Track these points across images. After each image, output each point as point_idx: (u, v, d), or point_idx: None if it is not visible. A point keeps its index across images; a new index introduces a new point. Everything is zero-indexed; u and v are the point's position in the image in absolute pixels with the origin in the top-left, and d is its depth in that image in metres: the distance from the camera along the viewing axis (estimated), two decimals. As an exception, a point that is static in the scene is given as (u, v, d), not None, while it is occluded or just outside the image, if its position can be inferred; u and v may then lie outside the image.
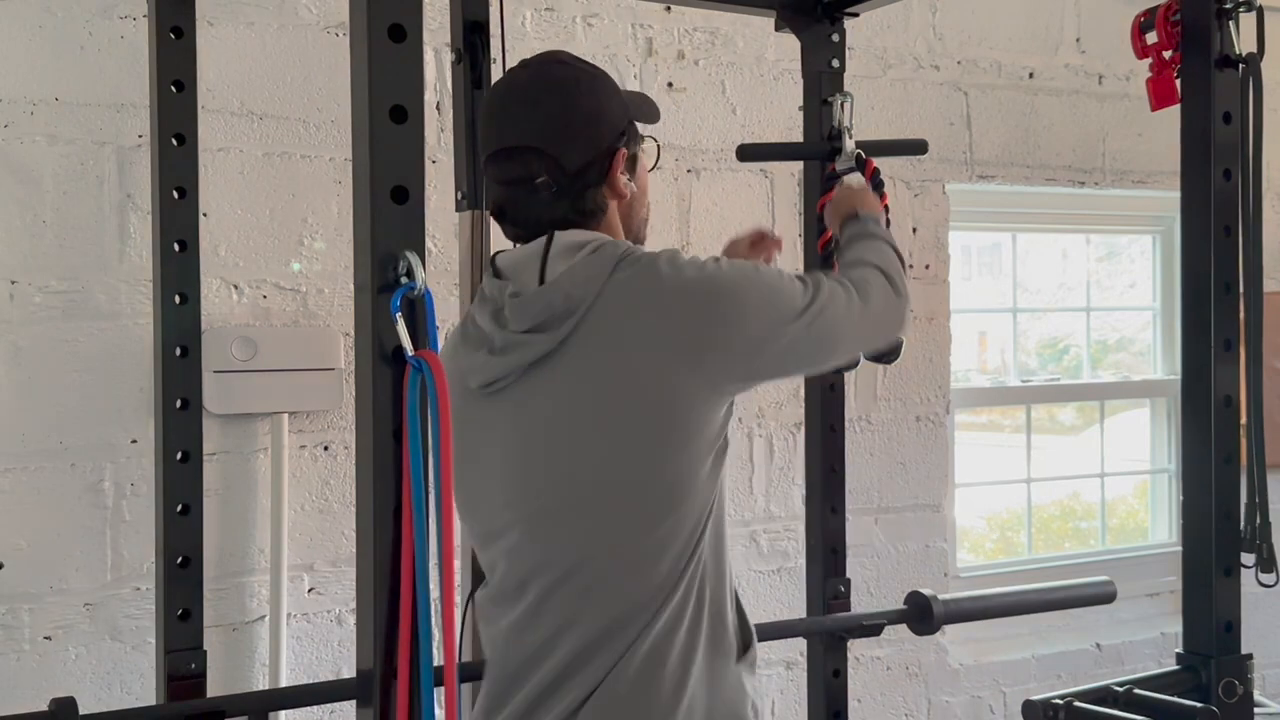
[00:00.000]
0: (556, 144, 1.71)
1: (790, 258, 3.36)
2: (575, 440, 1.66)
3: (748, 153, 2.39)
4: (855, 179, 2.31)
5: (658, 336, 1.63)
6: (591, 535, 1.66)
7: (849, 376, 3.36)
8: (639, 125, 1.81)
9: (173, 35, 2.38)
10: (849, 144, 2.37)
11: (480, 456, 1.74)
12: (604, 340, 1.65)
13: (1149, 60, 2.24)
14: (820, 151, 2.46)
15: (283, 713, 2.74)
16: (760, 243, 2.21)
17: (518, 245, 1.76)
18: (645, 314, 1.64)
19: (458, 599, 2.29)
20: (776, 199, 3.37)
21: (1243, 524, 2.19)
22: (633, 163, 1.78)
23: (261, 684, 2.85)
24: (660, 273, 1.65)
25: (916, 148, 2.43)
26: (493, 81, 2.20)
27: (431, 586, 1.52)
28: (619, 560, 1.65)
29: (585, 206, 1.73)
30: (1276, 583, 2.19)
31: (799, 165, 2.82)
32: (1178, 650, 2.23)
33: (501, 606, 1.74)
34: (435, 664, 1.47)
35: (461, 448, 1.68)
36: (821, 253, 2.31)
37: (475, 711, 1.78)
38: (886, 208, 2.17)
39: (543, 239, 1.71)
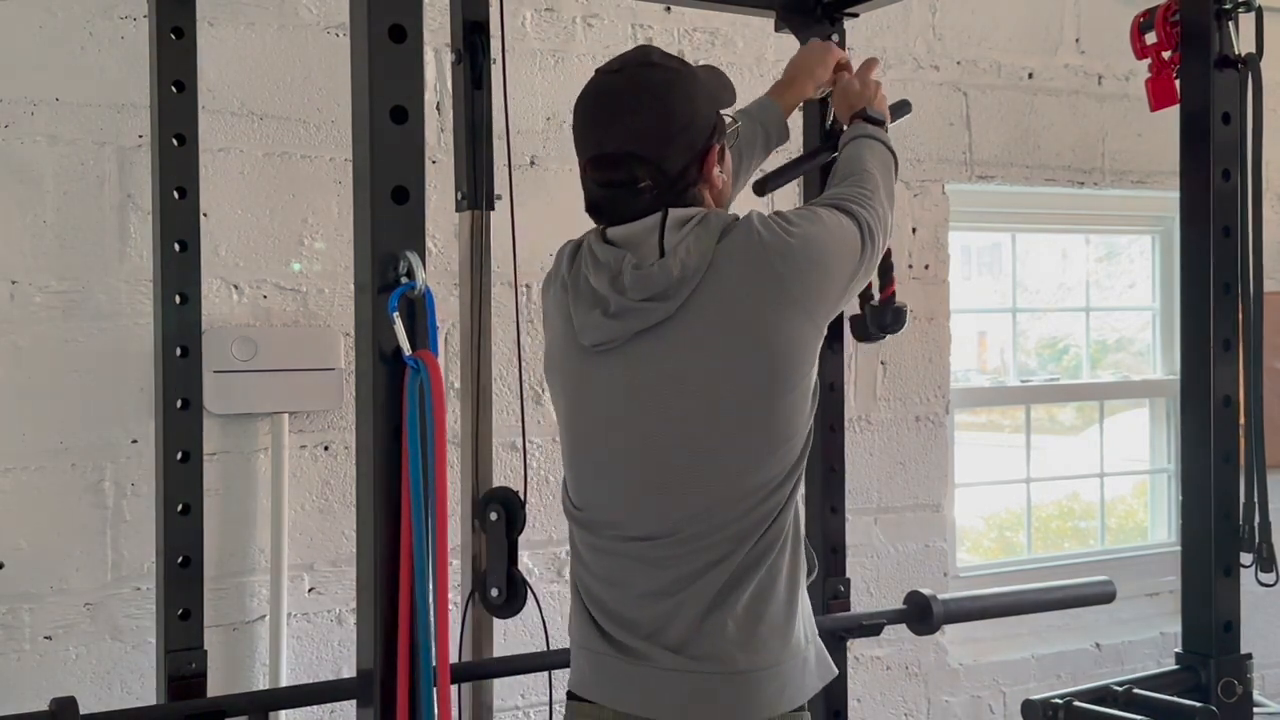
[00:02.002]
0: (658, 150, 1.80)
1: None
2: (698, 392, 1.78)
3: (768, 185, 2.39)
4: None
5: (767, 291, 1.76)
6: (719, 477, 1.78)
7: (849, 376, 3.36)
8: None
9: (173, 35, 2.39)
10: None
11: (589, 409, 1.87)
12: (717, 301, 1.77)
13: (1148, 60, 2.24)
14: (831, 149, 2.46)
15: (283, 713, 2.74)
16: (840, 69, 2.37)
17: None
18: (753, 273, 1.77)
19: (457, 599, 2.30)
20: (777, 199, 3.37)
21: (1242, 524, 2.19)
22: (722, 153, 1.89)
23: (261, 684, 2.85)
24: (760, 235, 1.78)
25: (901, 109, 2.42)
26: (492, 81, 2.23)
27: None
28: (744, 495, 1.78)
29: (684, 203, 1.83)
30: (1276, 582, 2.19)
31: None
32: (1177, 650, 2.23)
33: (621, 545, 1.84)
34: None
35: (571, 400, 1.89)
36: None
37: (585, 638, 1.87)
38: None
39: (657, 215, 1.80)
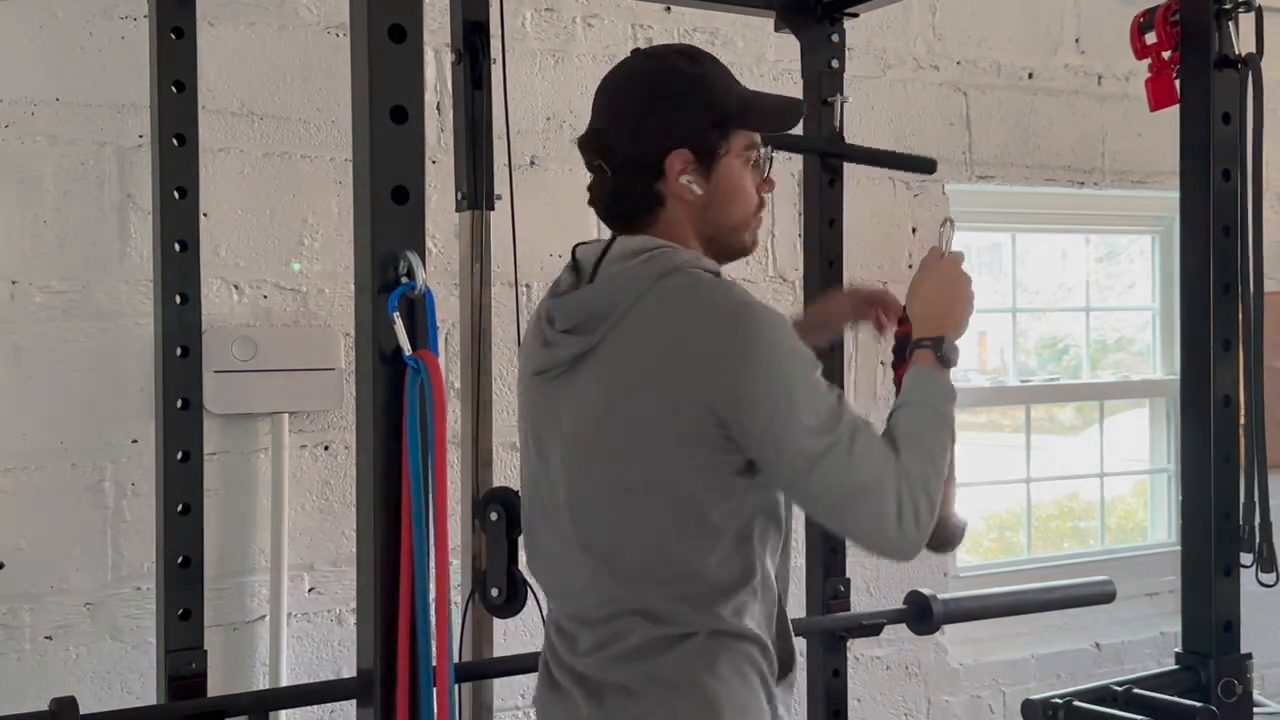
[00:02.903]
0: (616, 132, 1.75)
1: (790, 259, 3.36)
2: (599, 444, 1.69)
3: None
4: (952, 257, 1.86)
5: (673, 367, 1.63)
6: (613, 533, 1.70)
7: (849, 377, 3.35)
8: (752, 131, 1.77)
9: (173, 35, 2.39)
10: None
11: (541, 438, 1.80)
12: (628, 353, 1.66)
13: (1148, 60, 2.24)
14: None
15: (283, 713, 2.74)
16: (868, 308, 2.07)
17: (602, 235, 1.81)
18: (669, 339, 1.64)
19: (457, 599, 2.30)
20: (777, 199, 3.37)
21: (1242, 524, 2.19)
22: (706, 163, 1.73)
23: (261, 684, 2.85)
24: (699, 303, 1.64)
25: (924, 166, 2.30)
26: (492, 82, 2.23)
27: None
28: (660, 582, 1.68)
29: (636, 200, 1.74)
30: (1276, 583, 2.19)
31: (798, 165, 2.82)
32: (1177, 650, 2.23)
33: (556, 602, 1.81)
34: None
35: (524, 434, 1.84)
36: (896, 340, 1.91)
37: (536, 685, 1.83)
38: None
39: (607, 239, 1.75)
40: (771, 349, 1.61)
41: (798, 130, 2.46)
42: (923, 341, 1.76)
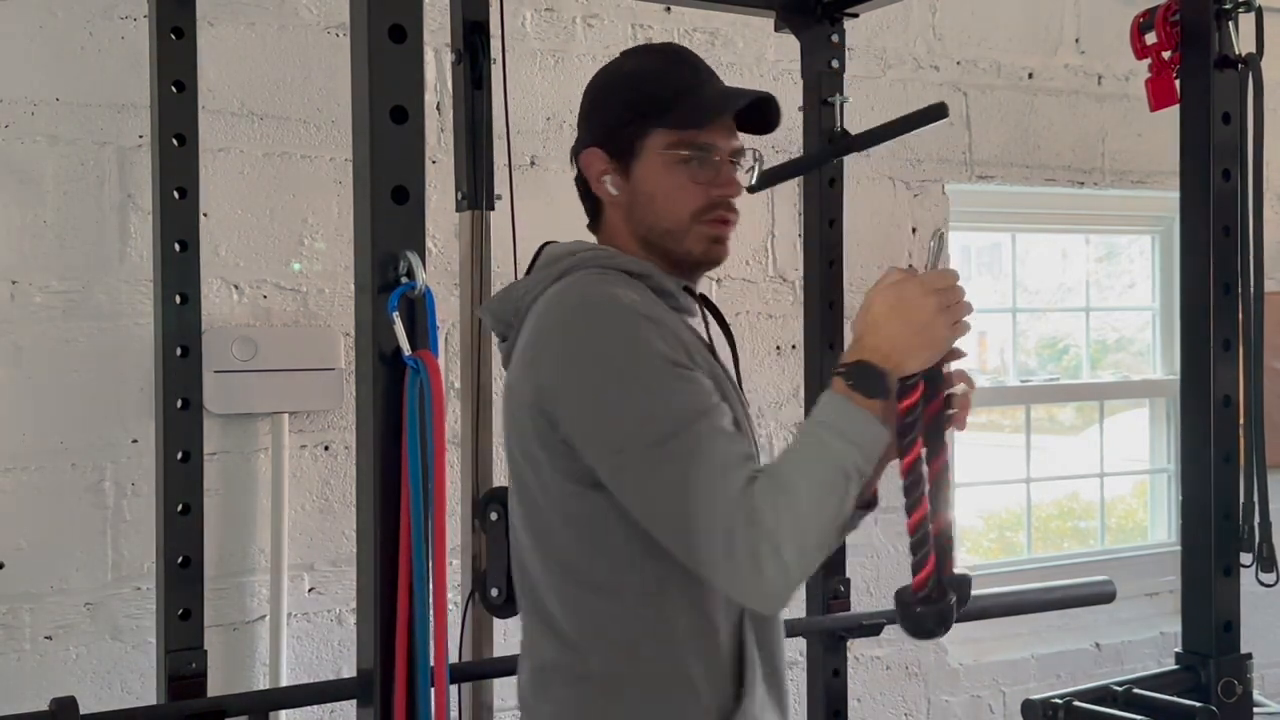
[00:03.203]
0: (577, 134, 1.78)
1: (790, 259, 3.36)
2: (507, 447, 1.69)
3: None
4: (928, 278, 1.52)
5: (526, 368, 1.61)
6: (515, 544, 1.69)
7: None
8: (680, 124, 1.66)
9: (173, 35, 2.39)
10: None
11: None
12: (515, 359, 1.66)
13: (1148, 60, 2.24)
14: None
15: (283, 712, 2.74)
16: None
17: None
18: (528, 342, 1.62)
19: (457, 599, 2.30)
20: (776, 199, 3.37)
21: (1242, 524, 2.19)
22: (623, 163, 1.69)
23: (261, 684, 2.85)
24: (554, 301, 1.61)
25: (936, 113, 2.32)
26: (492, 82, 2.23)
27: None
28: (519, 580, 1.68)
29: (585, 203, 1.77)
30: (1276, 582, 2.19)
31: (799, 165, 2.81)
32: (1177, 650, 2.22)
33: None
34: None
35: None
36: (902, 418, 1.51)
37: None
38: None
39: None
40: (602, 346, 1.53)
41: (796, 138, 2.46)
42: (839, 367, 1.49)
